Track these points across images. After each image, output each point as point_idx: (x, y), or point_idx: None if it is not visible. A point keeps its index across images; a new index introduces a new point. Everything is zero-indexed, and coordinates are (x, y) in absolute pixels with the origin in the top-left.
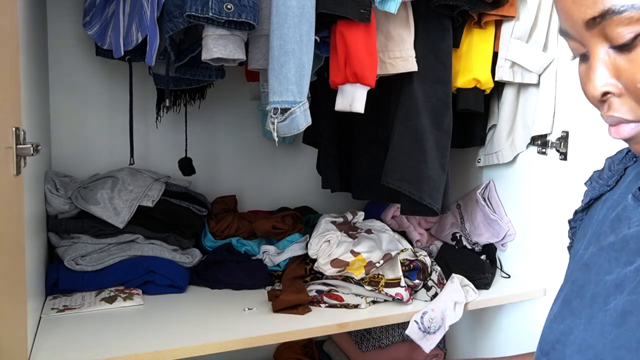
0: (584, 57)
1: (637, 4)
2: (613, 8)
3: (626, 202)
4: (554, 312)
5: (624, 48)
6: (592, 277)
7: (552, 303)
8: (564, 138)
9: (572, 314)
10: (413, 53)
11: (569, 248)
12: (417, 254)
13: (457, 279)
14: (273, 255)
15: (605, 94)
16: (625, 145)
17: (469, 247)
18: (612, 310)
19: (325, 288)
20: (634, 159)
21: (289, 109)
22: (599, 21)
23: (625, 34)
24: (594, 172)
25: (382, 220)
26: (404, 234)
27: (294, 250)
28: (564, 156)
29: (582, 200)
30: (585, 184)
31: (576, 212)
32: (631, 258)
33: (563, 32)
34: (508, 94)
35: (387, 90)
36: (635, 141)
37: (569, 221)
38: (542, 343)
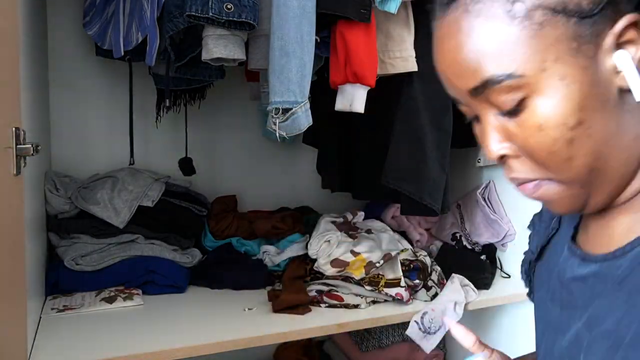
0: (477, 119)
1: (514, 73)
2: (491, 79)
3: (564, 253)
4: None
5: (510, 113)
6: (559, 337)
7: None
8: None
9: None
10: (413, 53)
11: (529, 295)
12: (417, 254)
13: (457, 279)
14: (273, 255)
15: (502, 156)
16: None
17: (469, 247)
18: None
19: (325, 288)
20: None
21: (291, 109)
22: (481, 91)
23: (508, 101)
24: (534, 215)
25: (382, 220)
26: (404, 234)
27: (294, 250)
28: None
29: (529, 244)
30: (528, 227)
31: (527, 263)
32: (580, 312)
33: (452, 98)
34: None
35: (387, 90)
36: (548, 202)
37: (522, 270)
38: None
